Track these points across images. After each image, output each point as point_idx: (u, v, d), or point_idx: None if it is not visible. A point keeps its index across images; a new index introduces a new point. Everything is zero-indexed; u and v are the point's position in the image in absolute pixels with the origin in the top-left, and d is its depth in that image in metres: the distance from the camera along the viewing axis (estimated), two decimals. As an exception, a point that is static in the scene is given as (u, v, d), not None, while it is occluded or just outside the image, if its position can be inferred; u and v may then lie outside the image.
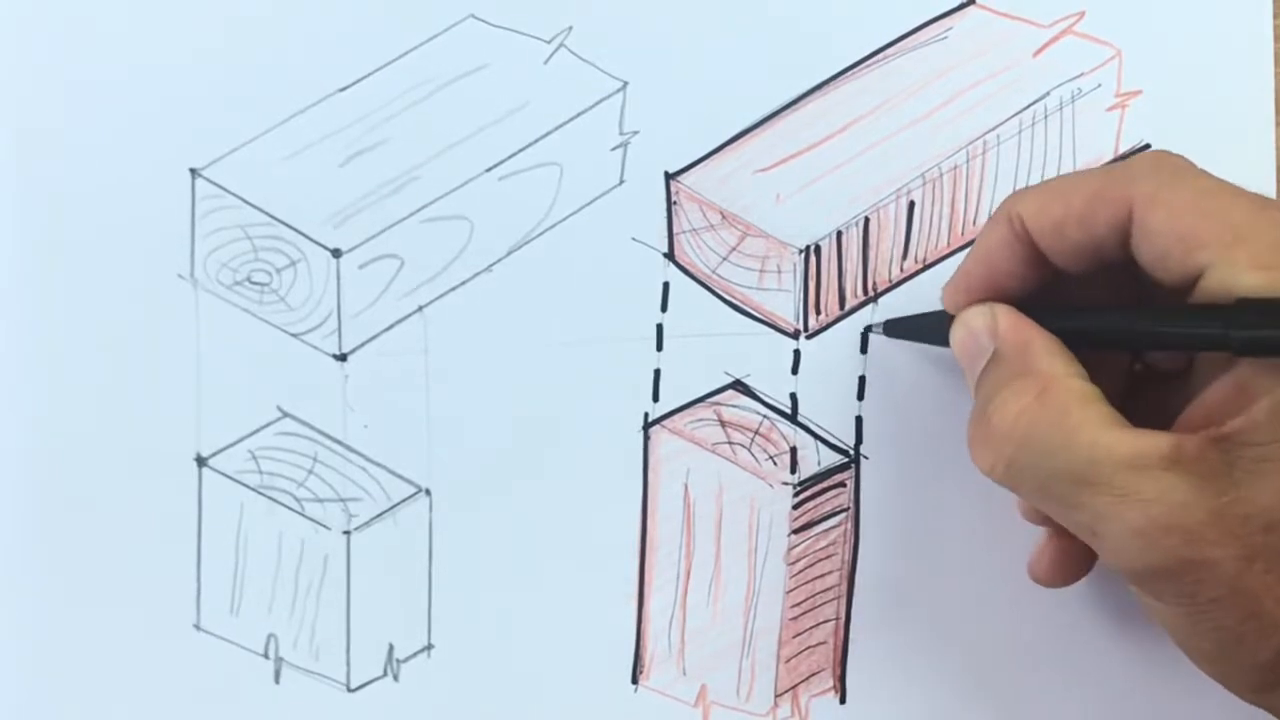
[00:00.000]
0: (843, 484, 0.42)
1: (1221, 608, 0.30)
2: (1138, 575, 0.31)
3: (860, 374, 0.42)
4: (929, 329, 0.38)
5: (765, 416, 0.42)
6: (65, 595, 0.42)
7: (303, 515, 0.42)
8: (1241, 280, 0.29)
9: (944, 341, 0.36)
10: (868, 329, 0.41)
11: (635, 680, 0.42)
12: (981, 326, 0.34)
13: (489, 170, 0.42)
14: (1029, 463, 0.31)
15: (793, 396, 0.42)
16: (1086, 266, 0.33)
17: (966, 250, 0.41)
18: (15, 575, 0.42)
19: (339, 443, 0.42)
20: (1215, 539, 0.29)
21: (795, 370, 0.42)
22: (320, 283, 0.41)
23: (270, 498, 0.42)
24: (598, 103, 0.41)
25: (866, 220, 0.42)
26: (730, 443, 0.42)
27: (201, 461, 0.42)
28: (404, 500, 0.42)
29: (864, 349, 0.42)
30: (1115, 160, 0.33)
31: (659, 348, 0.42)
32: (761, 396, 0.42)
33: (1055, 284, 0.34)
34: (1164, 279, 0.31)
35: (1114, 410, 0.31)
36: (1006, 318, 0.34)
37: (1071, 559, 0.37)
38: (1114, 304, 0.35)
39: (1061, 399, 0.31)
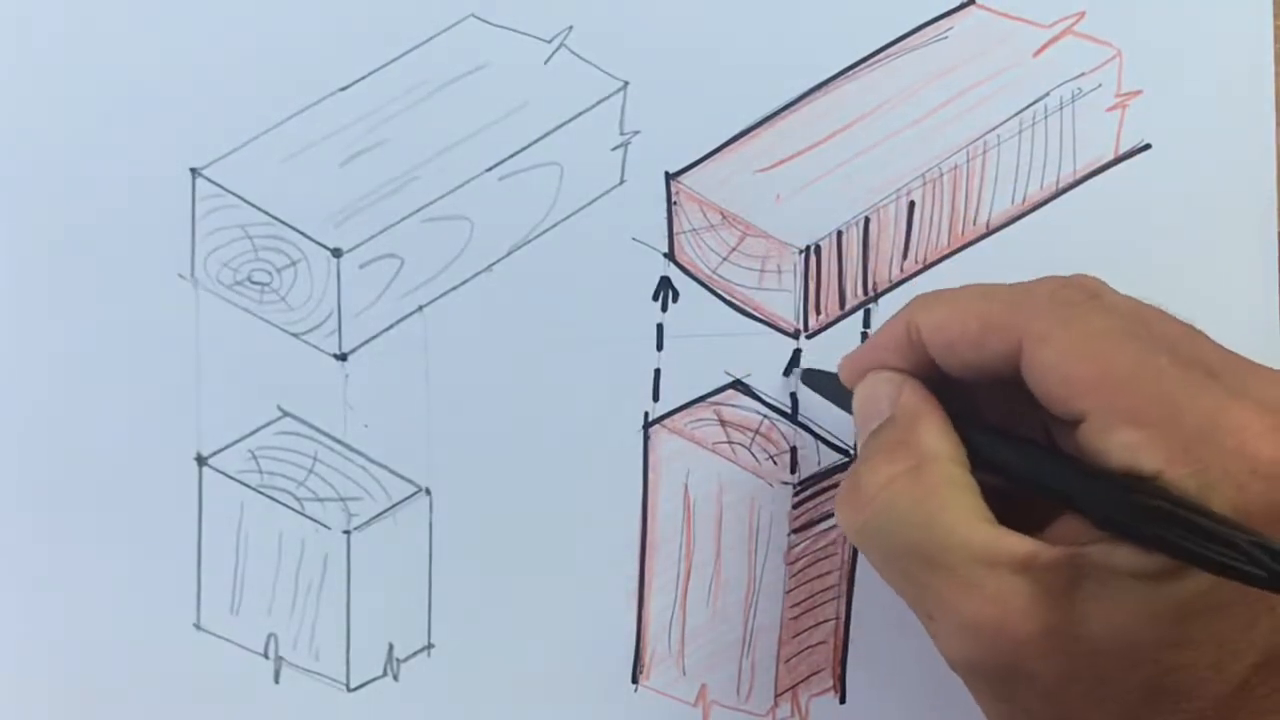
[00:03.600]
0: (843, 484, 0.42)
1: (1034, 718, 0.30)
2: (961, 666, 0.31)
3: (860, 374, 0.42)
4: (836, 389, 0.37)
5: (765, 416, 0.42)
6: (65, 595, 0.42)
7: (303, 515, 0.42)
8: (1115, 435, 0.28)
9: (845, 405, 0.36)
10: (792, 369, 0.41)
11: (635, 680, 0.42)
12: (884, 392, 0.34)
13: (489, 170, 0.42)
14: (885, 530, 0.31)
15: (793, 396, 0.42)
16: (979, 381, 0.33)
17: (967, 248, 0.42)
18: (15, 575, 0.42)
19: (339, 442, 0.42)
20: (1042, 652, 0.29)
21: (795, 370, 0.42)
22: (320, 282, 0.41)
23: (270, 497, 0.42)
24: (598, 103, 0.42)
25: (866, 220, 0.42)
26: (730, 442, 0.42)
27: (201, 461, 0.42)
28: (404, 500, 0.42)
29: (864, 349, 0.42)
30: (1020, 285, 0.32)
31: (659, 348, 0.42)
32: (761, 396, 0.42)
33: (952, 383, 0.33)
34: (1051, 413, 0.31)
35: (984, 506, 0.30)
36: (912, 390, 0.33)
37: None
38: (1009, 412, 0.34)
39: (934, 479, 0.31)
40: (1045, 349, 0.30)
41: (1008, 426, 0.33)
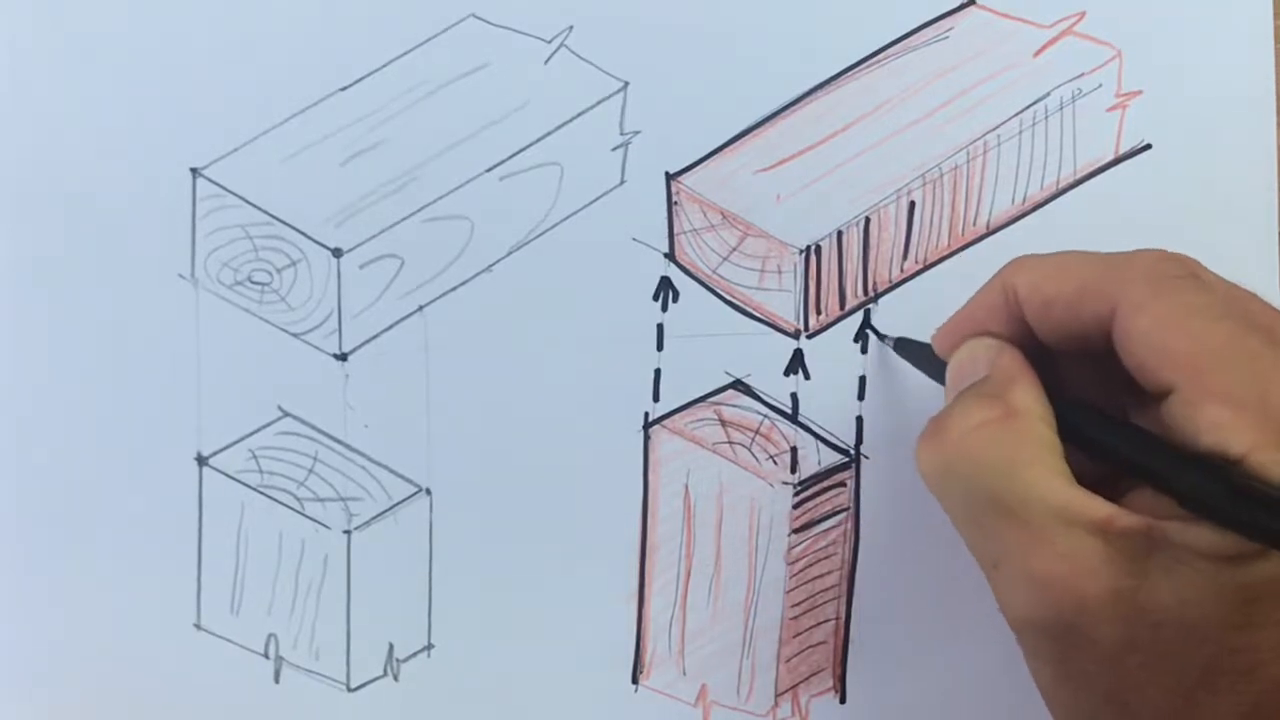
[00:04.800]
0: (843, 484, 0.42)
1: (1088, 684, 0.30)
2: (1020, 621, 0.31)
3: (860, 374, 0.42)
4: (928, 359, 0.37)
5: (765, 416, 0.42)
6: (66, 595, 0.42)
7: (303, 515, 0.42)
8: (1203, 412, 0.28)
9: (936, 375, 0.36)
10: (881, 336, 0.41)
11: (635, 680, 0.42)
12: (982, 355, 0.34)
13: (489, 170, 0.42)
14: (965, 474, 0.31)
15: (793, 396, 0.42)
16: (1071, 348, 0.33)
17: (967, 248, 0.42)
18: (16, 575, 0.42)
19: (339, 442, 0.42)
20: (1105, 617, 0.29)
21: (795, 370, 0.42)
22: (321, 282, 0.41)
23: (270, 497, 0.42)
24: (598, 103, 0.42)
25: (867, 220, 0.42)
26: (730, 442, 0.42)
27: (202, 461, 0.42)
28: (404, 500, 0.42)
29: (864, 349, 0.42)
30: (1119, 253, 0.32)
31: (659, 348, 0.42)
32: (762, 396, 0.42)
33: (1041, 356, 0.34)
34: (1140, 384, 0.31)
35: (1066, 467, 0.30)
36: (1010, 355, 0.33)
37: None
38: (1094, 387, 0.34)
39: (1022, 430, 0.31)
40: (1141, 317, 0.30)
41: (1092, 402, 0.33)
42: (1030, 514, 0.30)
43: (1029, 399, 0.32)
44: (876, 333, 0.41)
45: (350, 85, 0.42)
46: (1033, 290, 0.33)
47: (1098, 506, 0.29)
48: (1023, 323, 0.33)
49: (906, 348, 0.40)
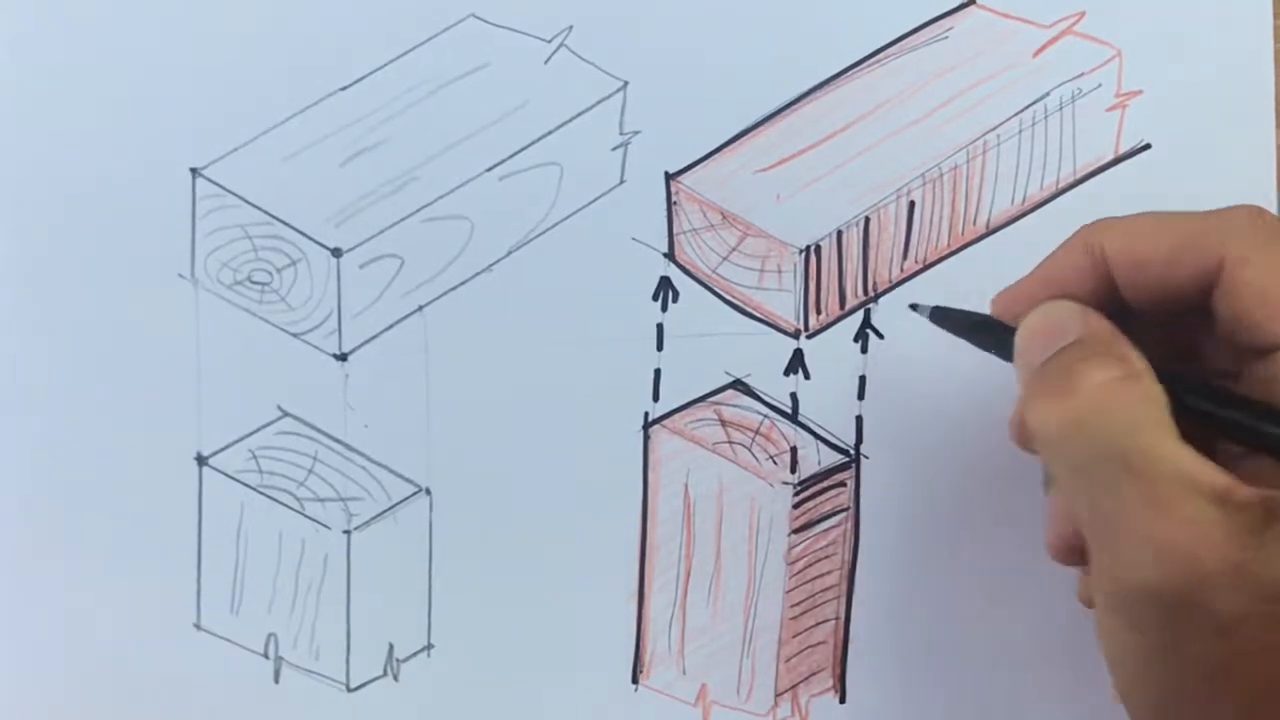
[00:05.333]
0: (843, 484, 0.42)
1: (1189, 658, 0.29)
2: (1134, 586, 0.30)
3: (860, 374, 0.42)
4: (972, 328, 0.36)
5: (765, 416, 0.42)
6: (66, 595, 0.42)
7: (303, 515, 0.42)
8: None
9: (981, 342, 0.35)
10: (915, 306, 0.39)
11: (635, 680, 0.42)
12: (1068, 317, 0.32)
13: (489, 170, 0.42)
14: (1091, 430, 0.30)
15: (793, 396, 0.42)
16: (1159, 310, 0.32)
17: (967, 248, 0.42)
18: (16, 575, 0.42)
19: (339, 442, 0.42)
20: (1224, 587, 0.28)
21: (795, 370, 0.42)
22: (320, 282, 0.41)
23: (270, 497, 0.42)
24: (598, 103, 0.42)
25: (866, 220, 0.42)
26: (730, 442, 0.42)
27: (202, 461, 0.42)
28: (404, 500, 0.42)
29: (864, 349, 0.42)
30: (1210, 211, 0.32)
31: (659, 348, 0.42)
32: (762, 396, 0.42)
33: (1118, 322, 0.32)
34: (1239, 340, 0.30)
35: (1179, 435, 0.30)
36: (1097, 317, 0.32)
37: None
38: (1167, 354, 0.32)
39: (1146, 391, 0.30)
40: (1247, 269, 0.30)
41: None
42: (1156, 476, 0.29)
43: (1142, 361, 0.31)
44: (912, 306, 0.39)
45: (350, 85, 0.42)
46: (1123, 251, 0.32)
47: (1217, 476, 0.28)
48: (1106, 285, 0.33)
49: (947, 317, 0.37)
